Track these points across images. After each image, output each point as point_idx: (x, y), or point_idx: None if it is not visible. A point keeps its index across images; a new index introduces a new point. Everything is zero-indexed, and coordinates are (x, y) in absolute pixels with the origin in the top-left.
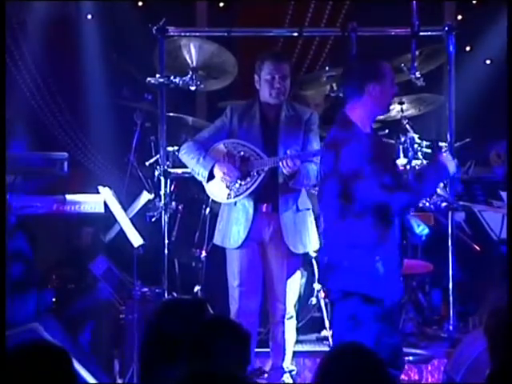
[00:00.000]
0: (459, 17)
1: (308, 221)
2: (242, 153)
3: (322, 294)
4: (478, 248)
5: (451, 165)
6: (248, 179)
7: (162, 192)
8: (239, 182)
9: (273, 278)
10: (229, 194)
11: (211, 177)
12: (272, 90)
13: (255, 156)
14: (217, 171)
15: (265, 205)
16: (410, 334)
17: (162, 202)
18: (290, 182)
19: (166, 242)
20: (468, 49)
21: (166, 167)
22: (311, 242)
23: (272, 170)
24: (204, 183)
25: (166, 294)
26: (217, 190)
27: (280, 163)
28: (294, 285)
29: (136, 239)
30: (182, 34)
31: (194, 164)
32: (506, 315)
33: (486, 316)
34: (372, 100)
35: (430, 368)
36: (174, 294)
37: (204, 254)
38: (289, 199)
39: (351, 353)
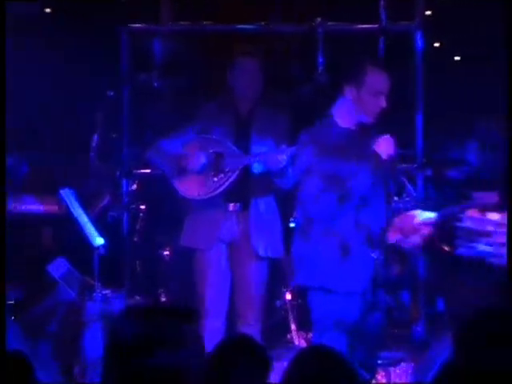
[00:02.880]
0: (428, 12)
1: (278, 223)
2: (216, 149)
3: (288, 296)
4: (447, 248)
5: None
6: (221, 175)
7: (123, 191)
8: (211, 178)
9: (241, 281)
10: (200, 191)
11: (181, 171)
12: (245, 87)
13: (229, 153)
14: (189, 167)
15: (232, 204)
16: None
17: (124, 201)
18: (277, 179)
19: (129, 242)
20: (437, 45)
21: (128, 166)
22: (279, 246)
23: (245, 168)
24: (173, 180)
25: (127, 297)
26: (187, 185)
27: (265, 159)
28: (262, 288)
29: (96, 239)
30: (146, 29)
31: (162, 161)
32: (476, 318)
33: (456, 318)
34: (352, 103)
35: (398, 371)
36: (137, 297)
37: (168, 254)
38: (260, 199)
39: (317, 355)
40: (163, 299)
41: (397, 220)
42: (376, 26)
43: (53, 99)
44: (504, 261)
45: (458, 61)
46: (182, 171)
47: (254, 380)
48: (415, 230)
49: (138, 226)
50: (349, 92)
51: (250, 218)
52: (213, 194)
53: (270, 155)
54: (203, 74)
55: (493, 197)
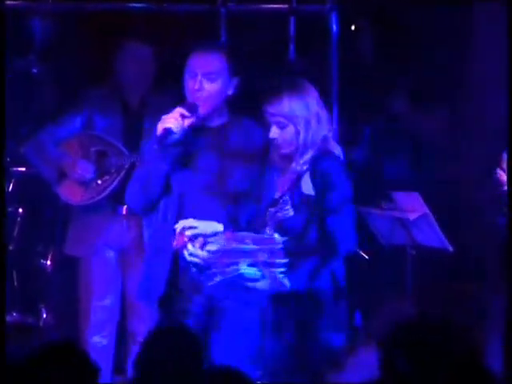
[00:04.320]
0: None
1: None
2: (99, 147)
3: None
4: (365, 256)
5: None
6: (106, 177)
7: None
8: (95, 180)
9: (133, 292)
10: (83, 195)
11: (62, 176)
12: (133, 75)
13: (114, 151)
14: (68, 169)
15: (125, 207)
16: None
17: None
18: None
19: (3, 250)
20: (353, 28)
21: (4, 163)
22: None
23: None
24: (53, 184)
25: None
26: (69, 190)
27: None
28: None
29: None
30: (23, 7)
31: (40, 162)
32: (404, 327)
33: (383, 329)
34: None
35: None
36: (14, 314)
37: (50, 264)
38: None
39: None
40: (44, 315)
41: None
42: (286, 6)
43: None
44: None
45: (377, 46)
46: (62, 175)
47: None
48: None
49: (14, 232)
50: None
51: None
52: (98, 198)
53: None
54: (88, 58)
55: (414, 198)
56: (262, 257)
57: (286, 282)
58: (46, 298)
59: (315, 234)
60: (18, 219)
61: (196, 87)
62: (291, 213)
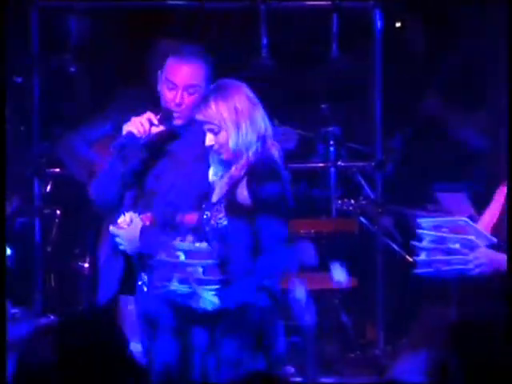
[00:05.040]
0: None
1: None
2: None
3: None
4: (410, 259)
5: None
6: None
7: (35, 194)
8: None
9: None
10: None
11: (92, 177)
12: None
13: None
14: (99, 170)
15: None
16: (331, 360)
17: (36, 205)
18: None
19: (41, 252)
20: (398, 25)
21: (39, 164)
22: None
23: None
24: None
25: (39, 316)
26: None
27: None
28: None
29: None
30: (60, 5)
31: (72, 162)
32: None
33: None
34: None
35: None
36: (51, 317)
37: (87, 266)
38: None
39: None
40: None
41: None
42: (328, 2)
43: None
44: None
45: (422, 45)
46: (92, 176)
47: None
48: None
49: (51, 234)
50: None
51: None
52: None
53: None
54: (123, 57)
55: (460, 199)
56: (195, 274)
57: (217, 299)
58: (82, 300)
59: (249, 248)
60: (56, 221)
61: (177, 101)
62: (225, 222)
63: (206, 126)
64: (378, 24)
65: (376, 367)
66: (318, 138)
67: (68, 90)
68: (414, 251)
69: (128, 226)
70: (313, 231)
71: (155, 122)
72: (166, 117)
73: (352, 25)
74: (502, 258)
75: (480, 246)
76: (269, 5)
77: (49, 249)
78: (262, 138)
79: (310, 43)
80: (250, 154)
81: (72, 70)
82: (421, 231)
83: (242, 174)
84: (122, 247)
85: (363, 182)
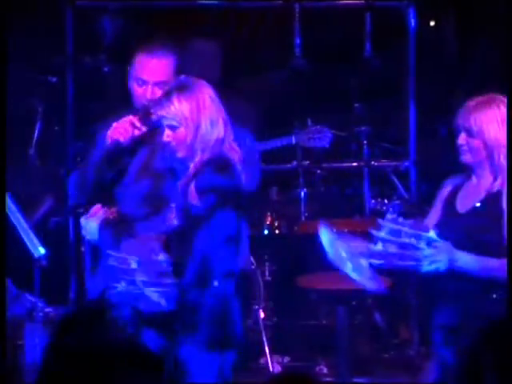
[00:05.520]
0: None
1: None
2: None
3: (261, 315)
4: None
5: None
6: None
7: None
8: None
9: None
10: None
11: None
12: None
13: None
14: None
15: None
16: (365, 361)
17: (70, 205)
18: None
19: (75, 252)
20: (432, 24)
21: (74, 163)
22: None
23: None
24: None
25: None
26: None
27: None
28: None
29: (37, 249)
30: (95, 5)
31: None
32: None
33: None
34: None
35: None
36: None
37: None
38: None
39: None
40: None
41: None
42: (362, 1)
43: None
44: None
45: (456, 43)
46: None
47: None
48: None
49: None
50: None
51: None
52: None
53: None
54: None
55: None
56: (143, 276)
57: (163, 301)
58: None
59: (198, 248)
60: None
61: (148, 97)
62: (175, 222)
63: (166, 122)
64: (412, 23)
65: (410, 368)
66: (352, 138)
67: (102, 89)
68: (372, 240)
69: (91, 216)
70: (346, 231)
71: (138, 124)
72: (143, 118)
73: (385, 24)
74: (466, 257)
75: (440, 242)
76: (302, 4)
77: (83, 248)
78: (221, 141)
79: (343, 42)
80: (206, 154)
81: (106, 69)
82: (381, 221)
83: (193, 172)
84: (87, 237)
85: (397, 182)
